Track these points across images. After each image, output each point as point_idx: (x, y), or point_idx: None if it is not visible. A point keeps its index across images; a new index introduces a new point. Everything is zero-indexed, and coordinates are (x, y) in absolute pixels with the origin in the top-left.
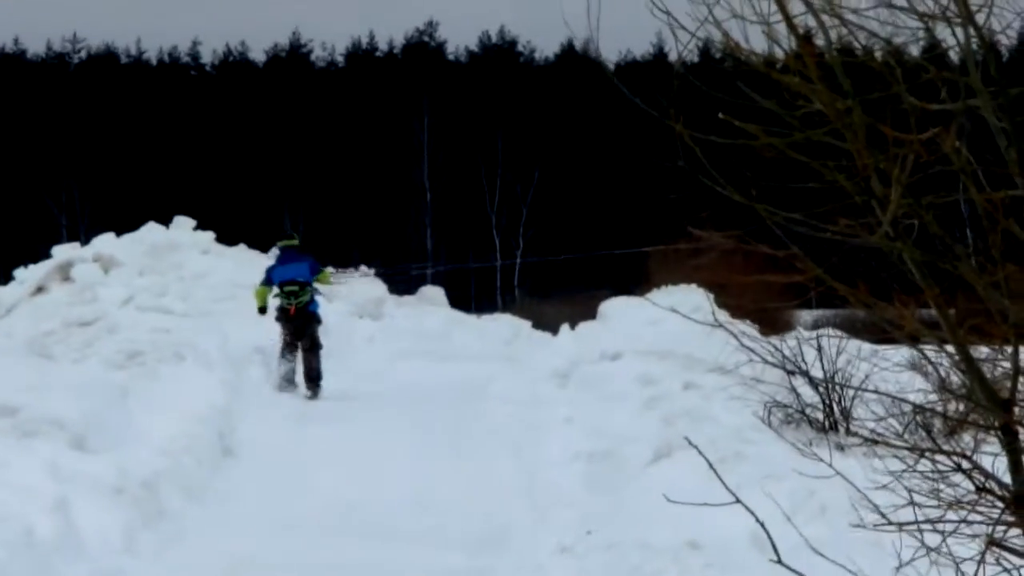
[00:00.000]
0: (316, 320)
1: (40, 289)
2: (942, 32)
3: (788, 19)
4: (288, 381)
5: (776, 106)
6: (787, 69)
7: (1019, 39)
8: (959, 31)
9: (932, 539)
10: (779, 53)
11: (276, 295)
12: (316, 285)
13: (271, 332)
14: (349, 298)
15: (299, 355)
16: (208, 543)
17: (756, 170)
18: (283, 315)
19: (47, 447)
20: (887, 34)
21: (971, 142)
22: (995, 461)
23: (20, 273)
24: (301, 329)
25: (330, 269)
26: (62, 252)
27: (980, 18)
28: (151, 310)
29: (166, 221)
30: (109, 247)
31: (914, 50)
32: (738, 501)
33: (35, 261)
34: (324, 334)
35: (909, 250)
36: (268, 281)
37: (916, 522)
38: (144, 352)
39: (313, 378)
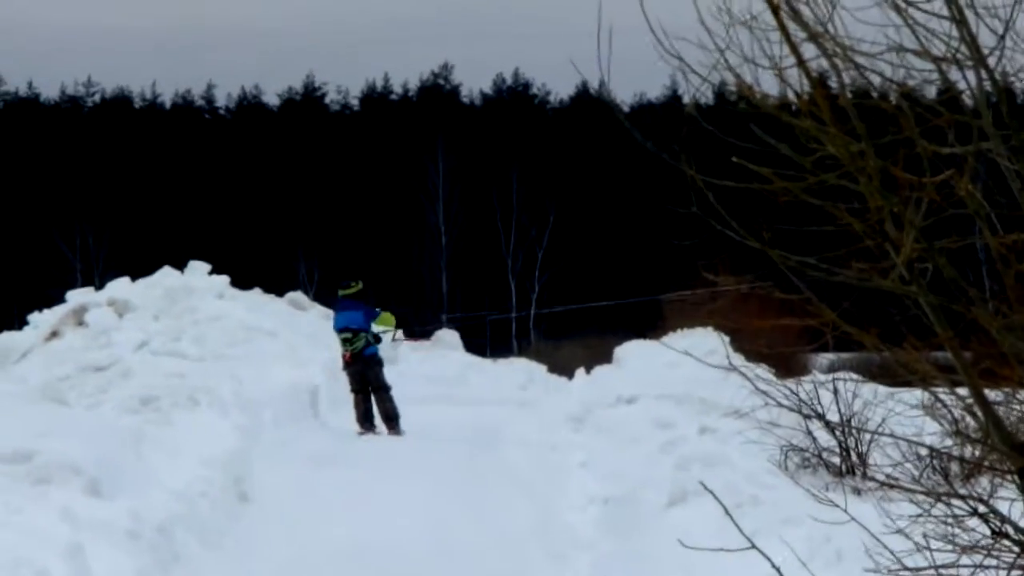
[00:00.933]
0: (375, 363)
1: (54, 334)
2: (955, 75)
3: (802, 63)
4: (364, 423)
5: (790, 149)
6: (800, 112)
7: None
8: (971, 74)
9: None
10: (792, 97)
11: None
12: (376, 328)
13: (286, 376)
14: None
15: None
16: None
17: (769, 214)
18: (342, 361)
19: (61, 493)
20: (900, 78)
21: (985, 185)
22: (1011, 506)
23: (34, 318)
24: (361, 374)
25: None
26: (76, 297)
27: (992, 61)
28: (166, 355)
29: (181, 265)
30: (124, 291)
31: (929, 93)
32: (754, 547)
33: (49, 306)
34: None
35: (923, 293)
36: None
37: (932, 567)
38: (159, 397)
39: (390, 418)
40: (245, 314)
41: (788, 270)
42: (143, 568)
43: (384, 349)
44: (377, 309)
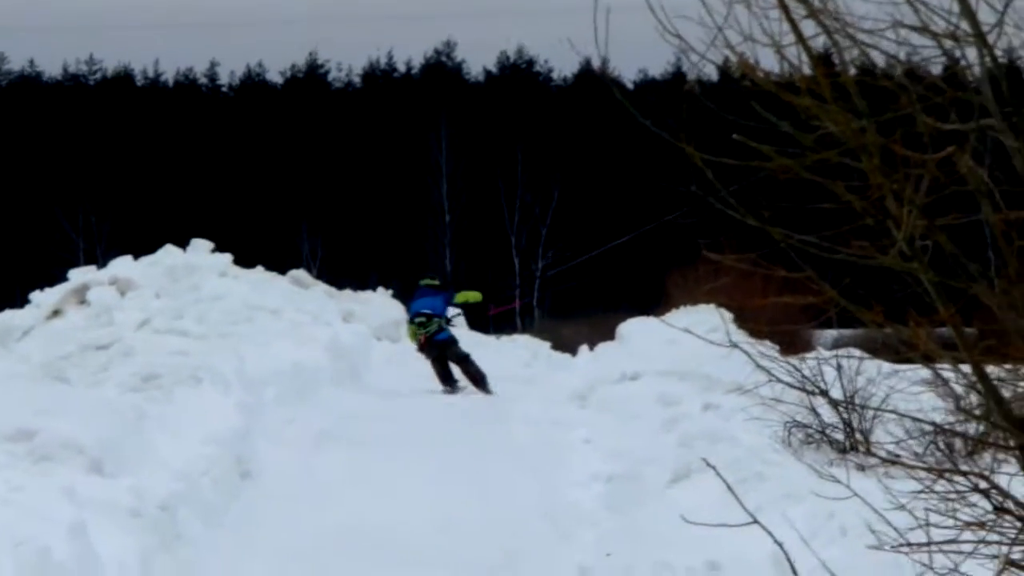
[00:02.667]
0: (450, 344)
1: (56, 312)
2: (956, 52)
3: (802, 40)
4: (445, 382)
5: (791, 127)
6: (801, 90)
7: None
8: (971, 51)
9: (950, 560)
10: (792, 75)
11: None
12: (460, 300)
13: (289, 354)
14: (366, 320)
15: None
16: (226, 567)
17: (771, 193)
18: (416, 344)
19: (63, 471)
20: (902, 55)
21: (992, 162)
22: (1011, 481)
23: (36, 296)
24: (440, 356)
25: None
26: (78, 275)
27: (992, 38)
28: (168, 332)
29: (183, 243)
30: (126, 270)
31: (935, 71)
32: (756, 522)
33: (51, 284)
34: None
35: (924, 270)
36: (409, 317)
37: (934, 543)
38: (161, 375)
39: (478, 382)
40: (248, 292)
41: (789, 248)
42: (146, 546)
43: (386, 328)
44: (452, 290)
